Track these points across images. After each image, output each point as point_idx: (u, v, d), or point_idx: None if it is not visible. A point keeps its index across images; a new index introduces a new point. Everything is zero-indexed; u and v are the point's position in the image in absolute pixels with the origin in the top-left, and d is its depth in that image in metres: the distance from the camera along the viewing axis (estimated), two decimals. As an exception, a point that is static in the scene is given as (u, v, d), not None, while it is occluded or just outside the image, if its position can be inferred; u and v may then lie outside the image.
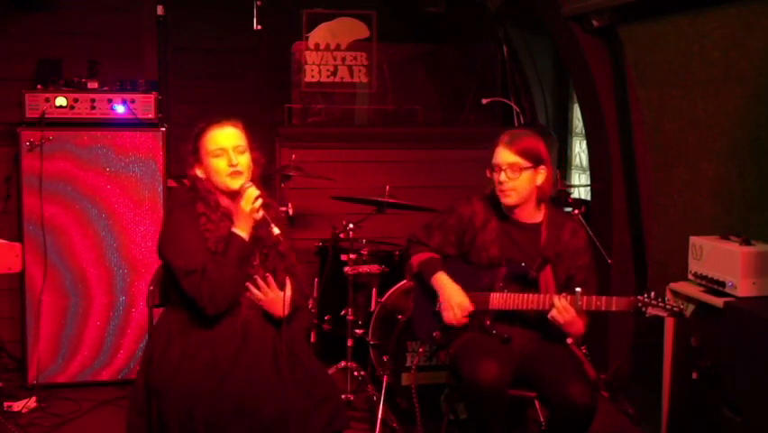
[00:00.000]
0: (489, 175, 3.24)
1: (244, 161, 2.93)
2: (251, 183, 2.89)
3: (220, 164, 2.90)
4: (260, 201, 2.85)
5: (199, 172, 2.95)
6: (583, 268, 3.24)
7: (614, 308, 3.07)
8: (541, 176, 3.21)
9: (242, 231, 2.87)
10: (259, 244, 2.96)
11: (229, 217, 2.93)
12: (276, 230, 2.83)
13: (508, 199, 3.20)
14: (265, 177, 3.23)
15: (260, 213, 2.86)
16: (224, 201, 2.96)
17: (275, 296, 2.93)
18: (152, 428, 2.80)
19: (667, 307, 2.98)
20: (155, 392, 2.79)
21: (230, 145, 2.91)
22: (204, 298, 2.82)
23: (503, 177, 3.18)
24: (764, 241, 3.36)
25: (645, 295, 3.00)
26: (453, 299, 3.23)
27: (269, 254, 2.99)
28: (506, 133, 3.25)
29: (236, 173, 2.90)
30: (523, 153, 3.17)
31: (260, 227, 2.93)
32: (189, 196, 2.98)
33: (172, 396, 2.73)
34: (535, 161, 3.18)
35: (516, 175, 3.16)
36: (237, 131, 2.96)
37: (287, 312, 2.93)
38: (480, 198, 3.35)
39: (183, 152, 3.00)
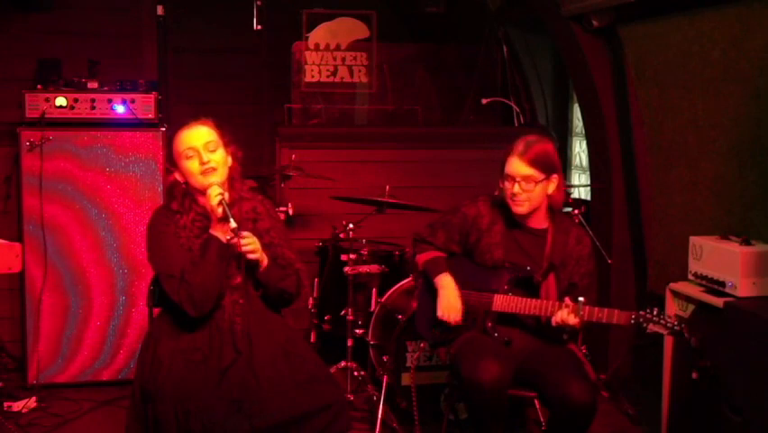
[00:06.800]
0: (500, 185, 3.21)
1: (217, 157, 2.91)
2: (214, 184, 2.85)
3: (193, 165, 2.89)
4: (218, 198, 2.81)
5: (178, 177, 2.95)
6: (586, 276, 3.24)
7: (615, 321, 3.05)
8: (552, 184, 3.19)
9: (217, 231, 2.85)
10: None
11: (206, 217, 2.91)
12: (233, 223, 2.78)
13: (520, 209, 3.19)
14: (262, 176, 3.20)
15: (220, 210, 2.81)
16: (203, 200, 2.93)
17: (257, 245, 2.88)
18: (149, 431, 2.79)
19: (668, 325, 2.95)
20: (149, 396, 2.78)
21: (200, 144, 2.89)
22: (184, 302, 2.83)
23: (517, 189, 3.15)
24: (764, 241, 3.37)
25: (648, 310, 2.99)
26: (446, 300, 3.25)
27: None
28: (519, 142, 3.19)
29: (209, 170, 2.88)
30: (536, 164, 3.13)
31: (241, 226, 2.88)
32: (168, 200, 2.99)
33: (166, 399, 2.72)
34: (548, 170, 3.16)
35: (530, 187, 3.14)
36: (207, 128, 2.95)
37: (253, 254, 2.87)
38: (486, 200, 3.35)
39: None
